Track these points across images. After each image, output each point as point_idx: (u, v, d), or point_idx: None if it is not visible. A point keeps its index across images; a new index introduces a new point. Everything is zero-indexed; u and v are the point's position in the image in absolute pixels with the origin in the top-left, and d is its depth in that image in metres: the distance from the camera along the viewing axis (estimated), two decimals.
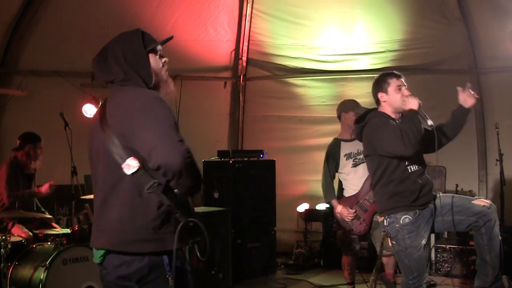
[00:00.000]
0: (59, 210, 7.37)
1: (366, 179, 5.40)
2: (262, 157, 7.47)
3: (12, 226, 5.54)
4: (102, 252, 2.67)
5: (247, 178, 7.17)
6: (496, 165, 6.48)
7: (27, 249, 5.35)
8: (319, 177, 5.81)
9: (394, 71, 4.36)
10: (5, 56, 7.41)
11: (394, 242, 4.19)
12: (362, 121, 4.33)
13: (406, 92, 4.20)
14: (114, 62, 2.75)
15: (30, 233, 5.74)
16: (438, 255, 6.80)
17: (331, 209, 5.72)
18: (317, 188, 5.86)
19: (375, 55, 8.18)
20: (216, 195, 7.13)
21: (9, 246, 5.16)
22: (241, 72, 9.00)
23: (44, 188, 6.09)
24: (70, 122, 6.03)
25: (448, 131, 4.36)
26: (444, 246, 6.80)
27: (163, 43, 2.95)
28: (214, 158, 7.36)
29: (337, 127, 5.92)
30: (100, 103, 2.91)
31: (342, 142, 5.74)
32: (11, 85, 7.55)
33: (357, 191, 5.51)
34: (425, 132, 4.13)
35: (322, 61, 8.52)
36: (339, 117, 5.83)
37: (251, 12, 8.62)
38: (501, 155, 6.38)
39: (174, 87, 2.94)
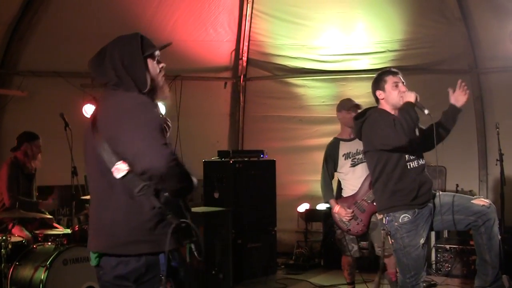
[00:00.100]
0: (60, 211, 7.38)
1: (365, 179, 5.41)
2: (262, 157, 7.47)
3: (13, 226, 5.54)
4: (97, 254, 2.70)
5: (248, 178, 7.17)
6: (496, 165, 6.48)
7: (28, 249, 5.35)
8: (320, 177, 5.81)
9: (391, 69, 4.39)
10: (5, 57, 7.40)
11: (392, 241, 4.20)
12: (362, 117, 4.35)
13: (403, 88, 4.21)
14: (110, 65, 2.77)
15: (30, 235, 5.73)
16: (439, 255, 6.80)
17: (331, 209, 5.72)
18: (318, 188, 5.87)
19: (375, 55, 8.18)
20: (216, 195, 7.14)
21: (10, 246, 5.17)
22: (241, 72, 9.01)
23: (47, 204, 6.10)
24: (70, 122, 6.02)
25: (441, 130, 4.36)
26: (444, 246, 6.80)
27: (161, 48, 2.95)
28: (215, 158, 7.36)
29: (337, 127, 5.93)
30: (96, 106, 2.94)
31: (341, 142, 5.75)
32: (11, 86, 7.55)
33: (355, 191, 5.51)
34: (423, 129, 4.17)
35: (322, 61, 8.52)
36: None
37: (251, 12, 8.62)
38: (501, 155, 6.38)
39: (169, 93, 2.98)
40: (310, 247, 8.01)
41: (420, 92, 4.15)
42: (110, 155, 2.60)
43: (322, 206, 7.79)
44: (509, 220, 6.61)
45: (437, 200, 4.24)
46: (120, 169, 2.57)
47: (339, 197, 5.69)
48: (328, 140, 5.94)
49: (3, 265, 5.09)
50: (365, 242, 6.63)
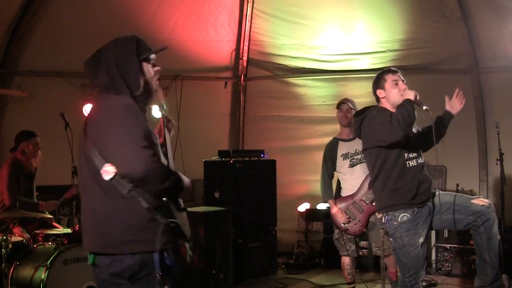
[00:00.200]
0: (60, 210, 7.37)
1: (364, 180, 5.41)
2: (262, 157, 7.47)
3: (13, 226, 5.54)
4: (93, 255, 2.76)
5: (248, 178, 7.18)
6: (496, 164, 6.47)
7: (28, 249, 5.35)
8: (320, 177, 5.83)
9: (391, 67, 4.40)
10: (5, 57, 7.41)
11: (391, 240, 4.21)
12: (362, 114, 4.36)
13: (403, 86, 4.23)
14: (104, 68, 2.81)
15: (29, 236, 5.72)
16: (439, 255, 6.80)
17: (330, 208, 5.73)
18: (318, 188, 5.88)
19: (375, 54, 8.19)
20: (217, 195, 7.14)
21: (10, 246, 5.16)
22: (241, 72, 9.01)
23: (47, 205, 6.09)
24: (70, 122, 6.02)
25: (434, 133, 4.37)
26: (444, 245, 6.80)
27: (156, 52, 2.97)
28: (215, 158, 7.37)
29: (337, 127, 5.94)
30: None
31: (340, 142, 5.76)
32: (11, 86, 7.55)
33: (354, 191, 5.51)
34: (423, 130, 4.19)
35: (323, 61, 8.52)
36: None
37: (252, 12, 8.62)
38: (501, 154, 6.38)
39: (163, 96, 3.03)
40: (310, 247, 8.01)
41: (420, 91, 4.16)
42: (99, 157, 2.65)
43: (322, 206, 7.78)
44: (509, 219, 6.61)
45: (436, 200, 4.25)
46: (107, 171, 2.61)
47: (338, 196, 5.70)
48: (328, 140, 5.95)
49: (3, 265, 5.08)
50: (365, 242, 6.65)
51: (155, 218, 2.67)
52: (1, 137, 7.38)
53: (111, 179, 2.61)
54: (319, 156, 5.91)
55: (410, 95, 4.07)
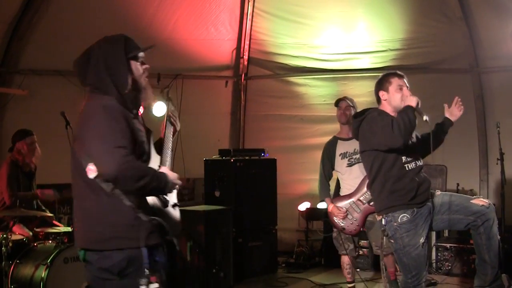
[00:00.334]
0: (60, 209, 7.37)
1: (362, 180, 5.39)
2: (263, 156, 7.48)
3: (13, 225, 5.54)
4: (83, 251, 2.84)
5: (248, 177, 7.19)
6: (497, 164, 6.47)
7: (28, 247, 5.35)
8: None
9: (397, 71, 4.39)
10: (6, 56, 7.40)
11: (392, 241, 4.20)
12: (361, 116, 4.35)
13: (406, 92, 4.22)
14: (93, 68, 2.86)
15: (30, 233, 5.74)
16: (439, 254, 6.80)
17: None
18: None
19: (376, 54, 8.19)
20: (217, 194, 7.14)
21: (10, 244, 5.16)
22: (242, 71, 9.01)
23: (47, 193, 6.09)
24: (71, 121, 5.99)
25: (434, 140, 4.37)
26: (444, 244, 6.80)
27: (144, 50, 3.01)
28: (215, 157, 7.37)
29: (338, 126, 5.93)
30: None
31: (339, 141, 5.75)
32: (12, 85, 7.54)
33: (352, 191, 5.51)
34: (421, 137, 4.21)
35: (324, 60, 8.52)
36: None
37: (252, 11, 8.62)
38: (502, 154, 6.38)
39: (152, 94, 3.07)
40: (310, 246, 8.01)
41: (421, 91, 4.17)
42: (84, 156, 2.73)
43: (322, 205, 7.75)
44: (510, 219, 6.61)
45: (436, 200, 4.24)
46: (91, 169, 2.67)
47: (337, 195, 5.70)
48: (329, 139, 5.95)
49: (3, 263, 5.09)
50: (365, 241, 6.65)
51: (138, 216, 2.74)
52: (2, 136, 7.37)
53: (95, 177, 2.67)
54: (319, 155, 5.90)
55: (412, 101, 4.06)
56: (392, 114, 4.24)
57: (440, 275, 6.68)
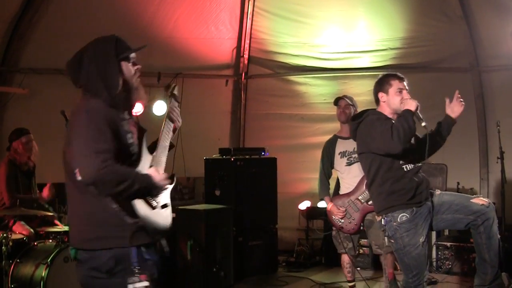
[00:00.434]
0: (61, 208, 7.36)
1: (361, 179, 5.38)
2: (263, 155, 7.48)
3: (14, 223, 5.54)
4: (74, 250, 2.90)
5: (249, 176, 7.18)
6: (497, 163, 6.48)
7: (29, 246, 5.35)
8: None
9: (398, 73, 4.37)
10: (6, 54, 7.40)
11: (392, 241, 4.19)
12: (359, 118, 4.34)
13: (406, 96, 4.21)
14: (85, 71, 2.89)
15: (32, 230, 5.73)
16: (439, 253, 6.80)
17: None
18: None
19: (376, 53, 8.18)
20: (217, 193, 7.15)
21: (11, 243, 5.16)
22: (242, 70, 9.00)
23: (45, 193, 6.07)
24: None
25: (437, 138, 4.35)
26: (445, 243, 6.81)
27: (136, 50, 3.01)
28: (216, 156, 7.37)
29: (338, 125, 5.93)
30: None
31: (339, 139, 5.75)
32: (12, 83, 7.55)
33: (351, 190, 5.51)
34: (421, 139, 4.21)
35: (324, 59, 8.52)
36: None
37: (253, 10, 8.61)
38: (502, 153, 6.38)
39: (144, 94, 3.07)
40: (311, 245, 8.02)
41: (421, 90, 4.17)
42: (70, 158, 2.78)
43: (323, 204, 7.76)
44: (510, 218, 6.62)
45: (436, 200, 4.24)
46: (77, 172, 2.70)
47: (337, 194, 5.70)
48: (329, 138, 5.95)
49: (4, 262, 5.09)
50: (365, 240, 6.65)
51: (123, 218, 2.78)
52: (2, 135, 7.37)
53: (80, 180, 2.70)
54: (320, 154, 5.91)
55: (412, 105, 4.04)
56: (390, 116, 4.24)
57: (440, 273, 6.69)
